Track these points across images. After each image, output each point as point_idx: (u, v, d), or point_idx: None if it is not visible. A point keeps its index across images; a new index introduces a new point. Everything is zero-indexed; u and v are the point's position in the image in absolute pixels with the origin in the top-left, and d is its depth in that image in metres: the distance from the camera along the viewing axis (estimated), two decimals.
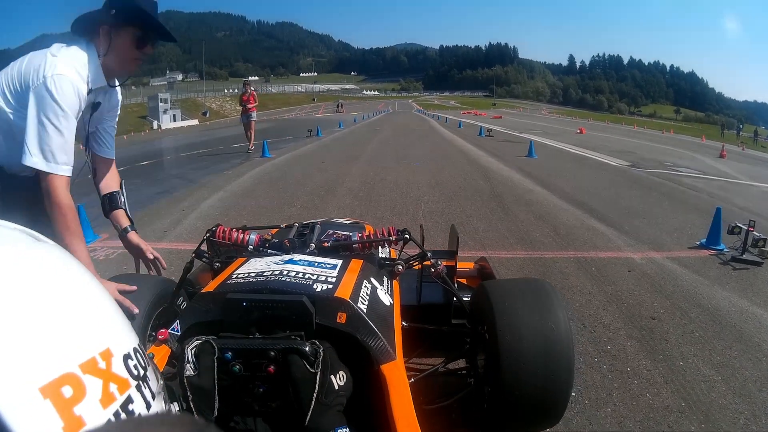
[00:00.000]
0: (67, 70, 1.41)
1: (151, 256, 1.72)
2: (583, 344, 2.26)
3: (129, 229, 1.72)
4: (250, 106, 10.47)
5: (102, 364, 0.52)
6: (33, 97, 1.38)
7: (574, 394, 1.87)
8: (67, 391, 0.46)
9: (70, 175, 1.46)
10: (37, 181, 1.47)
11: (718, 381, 2.01)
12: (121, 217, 1.73)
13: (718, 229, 3.92)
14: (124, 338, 0.61)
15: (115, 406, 0.52)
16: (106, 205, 1.72)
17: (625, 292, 2.91)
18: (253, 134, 10.67)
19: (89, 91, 1.49)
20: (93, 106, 1.56)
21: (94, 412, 0.49)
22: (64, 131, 1.42)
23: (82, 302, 0.58)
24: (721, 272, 3.38)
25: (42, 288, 0.54)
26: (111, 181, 1.75)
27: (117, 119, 1.78)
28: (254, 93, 10.75)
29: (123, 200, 1.75)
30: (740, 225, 3.73)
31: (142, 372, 0.60)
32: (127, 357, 0.58)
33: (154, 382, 0.63)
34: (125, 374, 0.56)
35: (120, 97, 1.77)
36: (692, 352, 2.24)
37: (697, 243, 4.03)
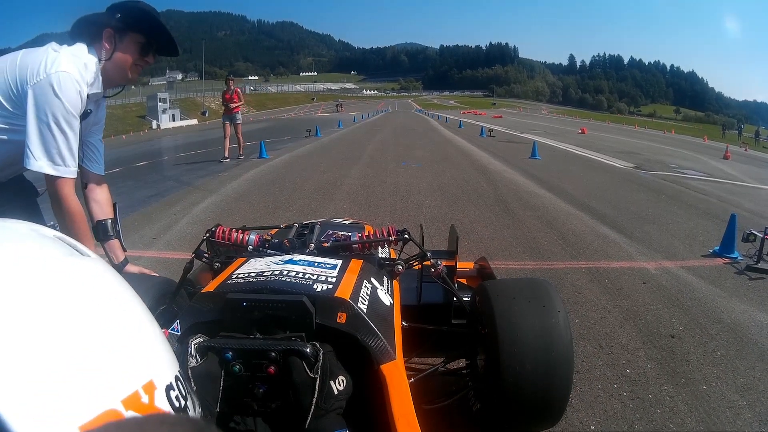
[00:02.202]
0: (71, 68, 1.31)
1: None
2: (601, 368, 2.09)
3: (125, 263, 1.64)
4: (234, 105, 9.01)
5: (145, 399, 0.49)
6: (33, 95, 1.26)
7: (593, 427, 1.72)
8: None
9: (75, 177, 1.39)
10: (19, 184, 1.40)
11: (744, 407, 1.87)
12: (117, 248, 1.64)
13: (733, 236, 3.77)
14: (166, 366, 0.56)
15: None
16: (100, 234, 1.61)
17: (642, 306, 2.74)
18: (241, 138, 9.32)
19: (87, 96, 1.39)
20: (83, 115, 1.44)
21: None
22: (69, 131, 1.32)
23: (125, 327, 0.53)
24: (737, 283, 3.23)
25: (82, 311, 0.48)
26: (104, 204, 1.65)
27: (102, 133, 1.69)
28: (239, 90, 9.27)
29: (118, 228, 1.66)
30: (755, 232, 3.57)
31: (183, 402, 0.56)
32: (169, 388, 0.54)
33: (193, 411, 0.59)
34: (168, 408, 0.52)
35: (105, 111, 1.67)
36: (715, 374, 2.09)
37: (710, 251, 3.88)
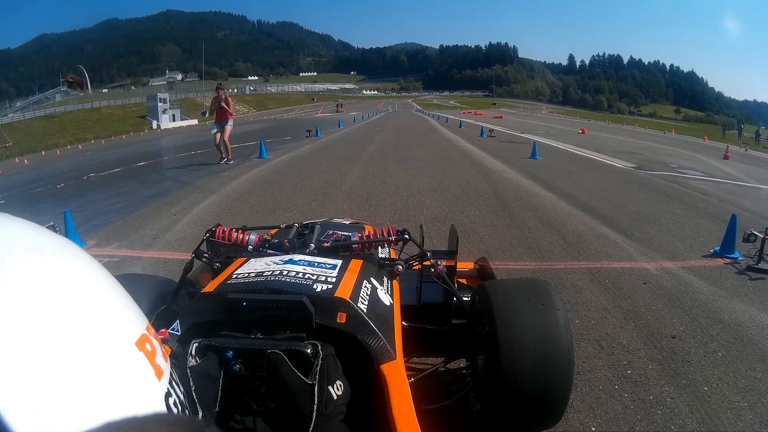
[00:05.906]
0: None
1: None
2: (602, 369, 2.09)
3: None
4: (223, 112, 8.76)
5: (150, 335, 0.60)
6: None
7: (594, 428, 1.72)
8: (148, 347, 0.56)
9: None
10: None
11: (745, 408, 1.88)
12: None
13: (734, 236, 3.76)
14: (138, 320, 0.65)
15: (168, 367, 0.61)
16: None
17: (642, 307, 2.74)
18: (228, 142, 9.03)
19: None
20: None
21: (164, 365, 0.59)
22: None
23: (118, 286, 0.62)
24: (737, 283, 3.23)
25: (92, 274, 0.57)
26: None
27: None
28: (229, 98, 9.04)
29: None
30: (756, 233, 3.56)
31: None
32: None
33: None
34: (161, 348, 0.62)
35: None
36: (716, 375, 2.09)
37: (711, 251, 3.87)
